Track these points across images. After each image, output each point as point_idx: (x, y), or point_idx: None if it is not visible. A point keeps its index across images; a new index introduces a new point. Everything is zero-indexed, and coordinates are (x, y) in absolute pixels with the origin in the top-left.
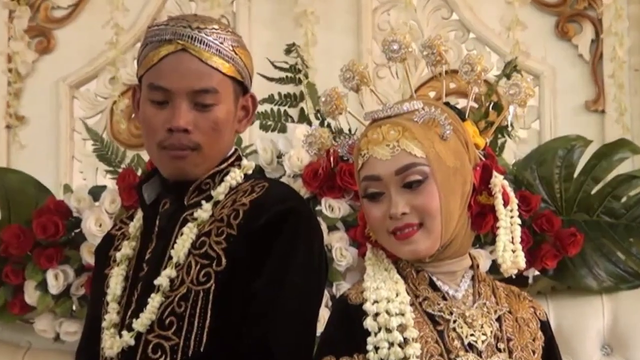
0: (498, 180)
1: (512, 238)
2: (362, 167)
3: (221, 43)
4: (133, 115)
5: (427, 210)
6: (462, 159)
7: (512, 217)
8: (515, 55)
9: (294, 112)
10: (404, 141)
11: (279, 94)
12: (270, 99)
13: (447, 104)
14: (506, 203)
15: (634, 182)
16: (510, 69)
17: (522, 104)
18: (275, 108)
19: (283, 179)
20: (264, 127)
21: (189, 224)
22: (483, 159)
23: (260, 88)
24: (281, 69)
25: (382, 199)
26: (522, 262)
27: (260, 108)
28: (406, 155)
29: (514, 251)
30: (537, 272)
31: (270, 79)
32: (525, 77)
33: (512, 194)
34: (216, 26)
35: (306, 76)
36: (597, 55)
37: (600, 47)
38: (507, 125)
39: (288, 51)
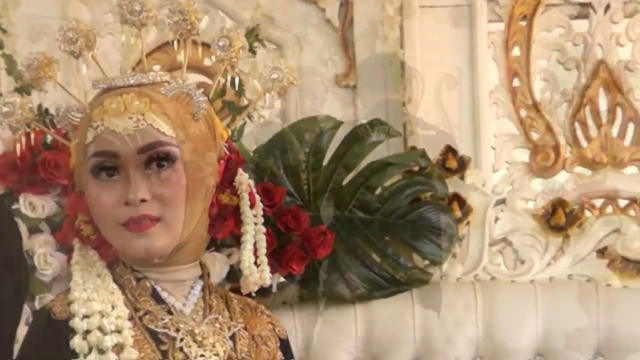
0: (244, 179)
1: (256, 249)
2: (94, 140)
3: None
4: None
5: (171, 200)
6: (211, 147)
7: (256, 223)
8: (257, 20)
9: None
10: (150, 115)
11: None
12: None
13: None
14: (252, 205)
15: (389, 170)
16: (252, 38)
17: (282, 92)
18: None
19: None
20: None
21: None
22: (227, 152)
23: None
24: None
25: (116, 180)
26: (267, 278)
27: None
28: (153, 132)
29: (258, 265)
30: (282, 279)
31: None
32: (283, 61)
33: (257, 197)
34: None
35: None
36: (347, 20)
37: (350, 10)
38: (247, 105)
39: None
